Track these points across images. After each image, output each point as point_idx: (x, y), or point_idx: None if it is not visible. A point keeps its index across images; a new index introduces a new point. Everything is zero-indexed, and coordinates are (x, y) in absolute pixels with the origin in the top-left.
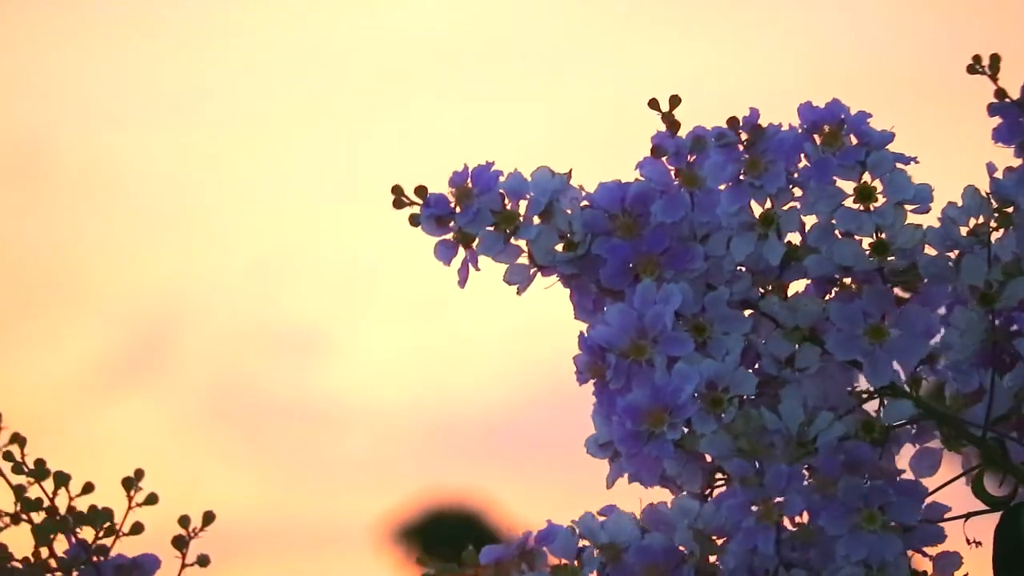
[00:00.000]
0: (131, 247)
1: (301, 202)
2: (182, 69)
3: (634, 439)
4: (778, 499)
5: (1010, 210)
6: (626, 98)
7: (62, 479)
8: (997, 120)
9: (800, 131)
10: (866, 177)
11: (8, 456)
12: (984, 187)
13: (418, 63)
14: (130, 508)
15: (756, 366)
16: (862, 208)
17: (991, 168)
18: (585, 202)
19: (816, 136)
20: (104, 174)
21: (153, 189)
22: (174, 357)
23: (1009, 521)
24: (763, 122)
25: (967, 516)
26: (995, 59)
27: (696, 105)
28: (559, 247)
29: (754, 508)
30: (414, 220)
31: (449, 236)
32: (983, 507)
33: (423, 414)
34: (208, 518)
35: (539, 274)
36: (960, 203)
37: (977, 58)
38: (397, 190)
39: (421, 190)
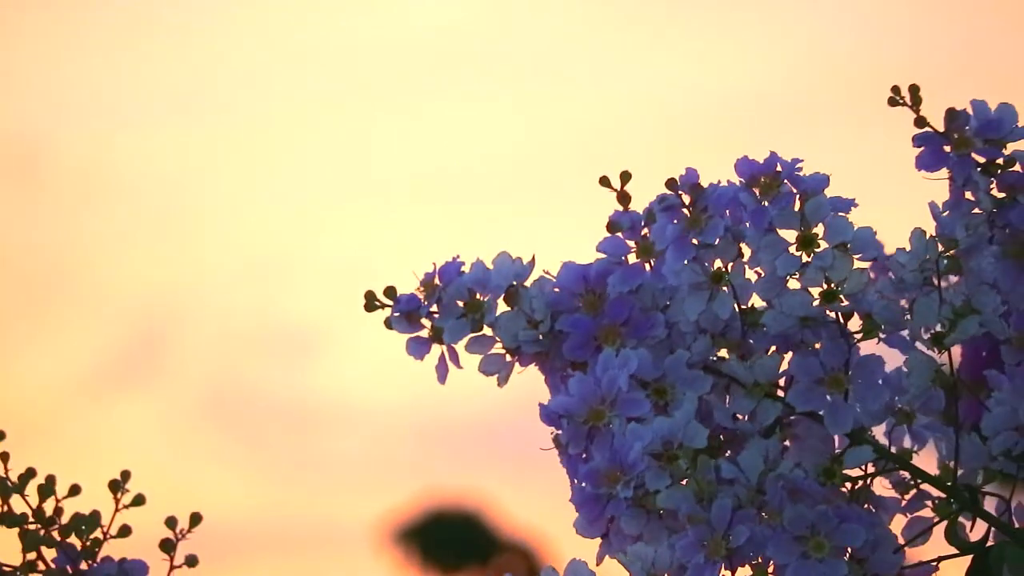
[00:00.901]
0: (129, 247)
1: (299, 203)
2: (179, 70)
3: (593, 502)
4: (725, 535)
5: (957, 251)
6: (627, 98)
7: (48, 487)
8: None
9: (739, 184)
10: (808, 226)
11: None
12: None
13: (417, 64)
14: (117, 510)
15: (720, 428)
16: (804, 255)
17: (935, 209)
18: (553, 287)
19: (755, 188)
20: (102, 174)
21: (151, 190)
22: (173, 357)
23: (979, 565)
24: (712, 172)
25: (939, 560)
26: (914, 89)
27: (697, 105)
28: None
29: (703, 546)
30: (387, 323)
31: (423, 333)
32: (955, 552)
33: (422, 415)
34: (195, 519)
35: (517, 363)
36: (908, 247)
37: (896, 89)
38: (369, 295)
39: (390, 291)
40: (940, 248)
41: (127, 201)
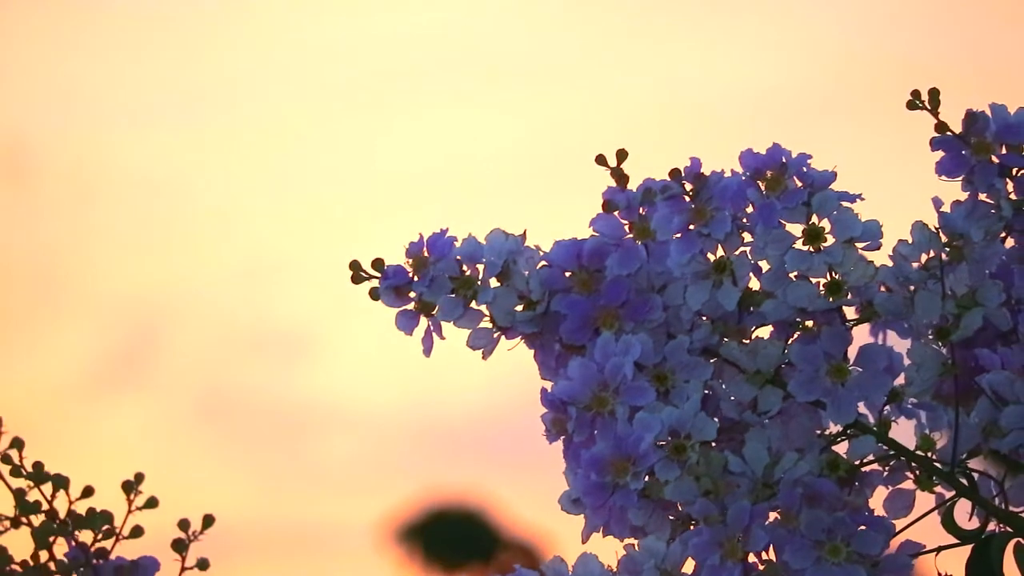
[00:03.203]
0: (122, 249)
1: (294, 205)
2: (171, 72)
3: (599, 491)
4: (742, 536)
5: (960, 244)
6: (629, 97)
7: (61, 482)
8: (940, 154)
9: (744, 178)
10: (814, 219)
11: (7, 459)
12: (932, 221)
13: (413, 65)
14: (130, 512)
15: (719, 412)
16: (812, 249)
17: (937, 203)
18: (543, 262)
19: (760, 182)
20: (95, 176)
21: (144, 191)
22: (168, 360)
23: (980, 554)
24: (709, 167)
25: (938, 550)
26: (934, 93)
27: (695, 105)
28: (519, 307)
29: (719, 546)
30: (374, 294)
31: (410, 306)
32: (954, 540)
33: (423, 414)
34: (208, 521)
35: (503, 336)
36: (910, 239)
37: (916, 93)
38: (355, 265)
39: (378, 263)
40: (944, 239)
41: (120, 203)
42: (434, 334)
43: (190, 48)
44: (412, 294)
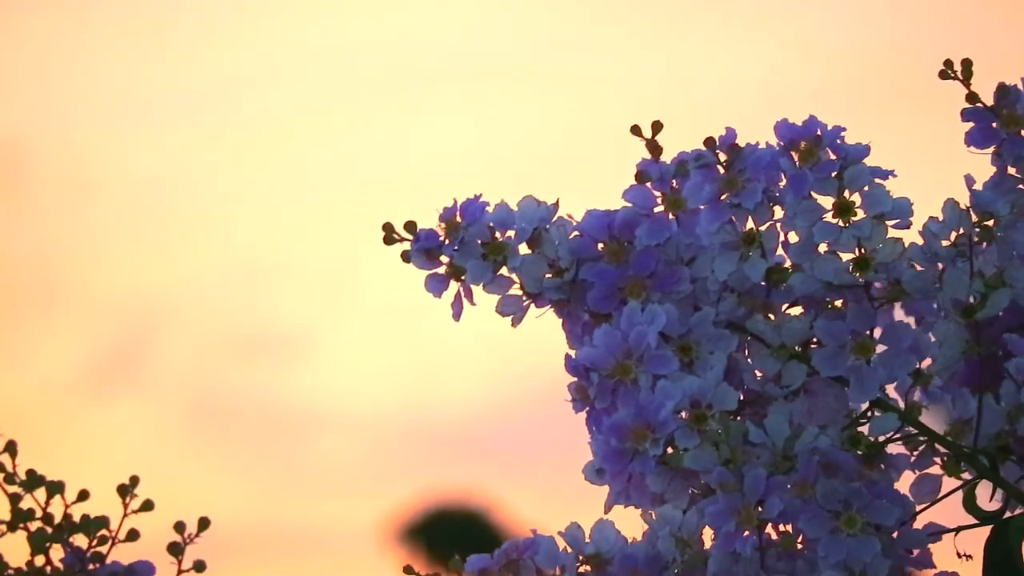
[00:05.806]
0: (113, 251)
1: (286, 206)
2: (162, 72)
3: (618, 457)
4: (758, 505)
5: (991, 223)
6: (626, 98)
7: (56, 487)
8: (970, 125)
9: (777, 148)
10: (845, 192)
11: (0, 468)
12: (965, 199)
13: (410, 68)
14: (125, 515)
15: (743, 386)
16: (841, 223)
17: (970, 181)
18: (575, 232)
19: (793, 153)
20: (91, 177)
21: (135, 193)
22: (165, 361)
23: (999, 535)
24: (742, 140)
25: (957, 530)
26: (967, 64)
27: (696, 103)
28: (548, 275)
29: (735, 514)
30: (405, 256)
31: (440, 270)
32: (974, 521)
33: (423, 414)
34: (203, 524)
35: (532, 304)
36: (941, 217)
37: (948, 63)
38: (387, 227)
39: (410, 225)
40: (974, 218)
41: (117, 203)
42: (464, 299)
43: (190, 48)
44: (443, 258)
